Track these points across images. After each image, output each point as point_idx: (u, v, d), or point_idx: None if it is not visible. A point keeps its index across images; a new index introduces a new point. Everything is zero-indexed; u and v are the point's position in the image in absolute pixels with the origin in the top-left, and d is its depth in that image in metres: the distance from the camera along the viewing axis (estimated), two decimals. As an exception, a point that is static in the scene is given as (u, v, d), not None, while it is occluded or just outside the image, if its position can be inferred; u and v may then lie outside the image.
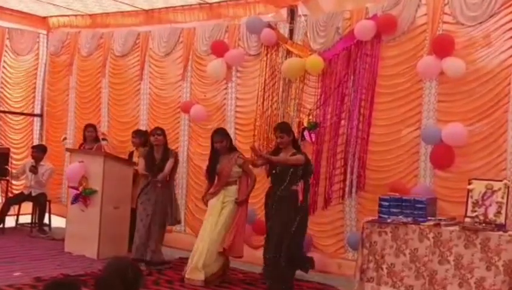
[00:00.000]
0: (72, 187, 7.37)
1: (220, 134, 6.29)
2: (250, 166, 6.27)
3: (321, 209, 6.60)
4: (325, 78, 6.65)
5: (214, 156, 6.31)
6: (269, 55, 7.14)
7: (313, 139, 6.60)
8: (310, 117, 6.63)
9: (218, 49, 7.41)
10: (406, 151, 6.11)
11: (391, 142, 6.24)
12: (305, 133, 6.63)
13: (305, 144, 6.65)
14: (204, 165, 7.19)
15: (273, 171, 5.77)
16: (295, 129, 6.74)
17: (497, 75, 5.54)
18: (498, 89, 5.53)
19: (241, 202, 6.18)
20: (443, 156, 5.72)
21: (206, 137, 7.61)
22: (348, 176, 6.40)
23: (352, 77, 6.42)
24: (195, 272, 6.07)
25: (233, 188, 6.23)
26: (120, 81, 8.85)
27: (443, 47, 5.72)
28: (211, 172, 6.33)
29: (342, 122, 6.49)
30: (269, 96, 7.11)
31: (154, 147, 6.84)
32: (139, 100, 8.58)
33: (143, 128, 8.30)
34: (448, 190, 5.77)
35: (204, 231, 6.22)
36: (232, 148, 6.35)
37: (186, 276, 6.10)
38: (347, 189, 6.42)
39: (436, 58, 5.73)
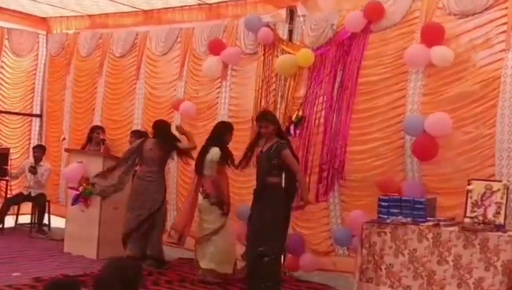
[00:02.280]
0: (72, 188, 7.37)
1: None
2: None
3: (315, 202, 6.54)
4: (314, 72, 6.66)
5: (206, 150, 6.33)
6: (266, 54, 7.14)
7: (297, 134, 6.59)
8: (300, 112, 6.62)
9: (215, 47, 7.42)
10: (388, 144, 6.09)
11: (374, 132, 6.21)
12: (291, 127, 6.63)
13: (292, 139, 6.64)
14: (192, 161, 7.17)
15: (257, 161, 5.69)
16: (285, 124, 6.75)
17: (487, 68, 5.51)
18: (488, 82, 5.51)
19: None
20: (425, 147, 5.67)
21: (196, 134, 7.61)
22: (331, 171, 6.38)
23: (341, 72, 6.43)
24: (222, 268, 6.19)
25: None
26: (116, 81, 8.86)
27: (433, 35, 5.69)
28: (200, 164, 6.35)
29: (329, 116, 6.47)
30: (266, 95, 7.10)
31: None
32: (134, 99, 8.58)
33: (136, 127, 8.33)
34: (437, 183, 5.76)
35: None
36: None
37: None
38: (330, 183, 6.40)
39: (425, 47, 5.71)
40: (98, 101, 9.04)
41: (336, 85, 6.45)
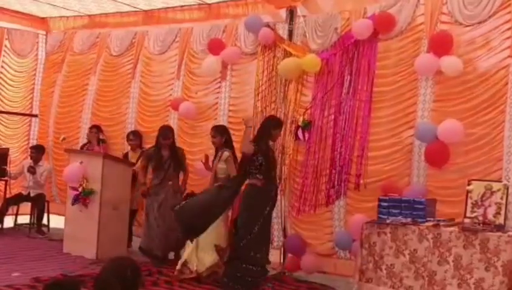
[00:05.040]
0: (72, 188, 7.36)
1: (215, 130, 6.61)
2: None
3: (321, 207, 6.55)
4: (321, 78, 6.64)
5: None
6: (266, 55, 7.13)
7: (306, 138, 6.59)
8: (306, 116, 6.62)
9: (215, 47, 7.41)
10: (399, 151, 6.09)
11: (382, 139, 6.23)
12: (299, 132, 6.63)
13: (299, 143, 6.65)
14: (192, 162, 7.35)
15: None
16: (289, 128, 6.76)
17: (495, 75, 5.54)
18: (496, 89, 5.53)
19: None
20: (438, 153, 5.67)
21: (194, 134, 7.60)
22: (344, 175, 6.39)
23: (349, 77, 6.42)
24: (190, 263, 6.25)
25: None
26: (111, 79, 8.87)
27: (441, 45, 5.70)
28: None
29: (338, 121, 6.46)
30: (265, 95, 7.09)
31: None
32: (128, 98, 8.59)
33: (130, 126, 8.34)
34: (442, 189, 5.76)
35: None
36: (226, 145, 6.53)
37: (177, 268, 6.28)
38: (342, 189, 6.40)
39: (434, 56, 5.72)
40: (89, 98, 9.05)
41: (345, 90, 6.44)
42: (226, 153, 6.43)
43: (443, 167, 5.74)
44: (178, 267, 6.28)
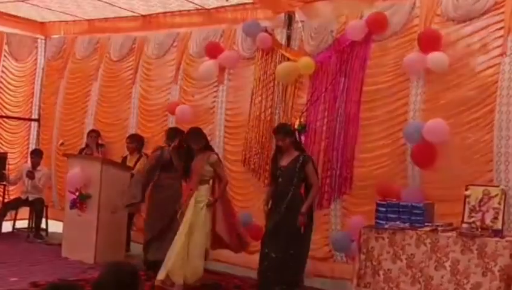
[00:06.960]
0: (71, 192, 7.36)
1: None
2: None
3: (317, 210, 6.54)
4: (316, 80, 6.67)
5: (189, 154, 6.29)
6: (263, 59, 7.15)
7: (303, 142, 6.61)
8: (302, 120, 6.64)
9: (212, 50, 7.43)
10: (393, 151, 6.10)
11: (376, 141, 6.24)
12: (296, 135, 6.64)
13: None
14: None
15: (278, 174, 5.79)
16: None
17: (485, 72, 5.55)
18: (486, 87, 5.54)
19: (211, 204, 6.13)
20: (424, 153, 5.68)
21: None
22: (337, 178, 6.40)
23: (343, 79, 6.44)
24: (173, 275, 5.96)
25: (204, 188, 6.20)
26: (112, 84, 8.89)
27: (429, 42, 5.72)
28: (186, 169, 6.29)
29: (331, 123, 6.48)
30: (262, 99, 7.11)
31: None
32: (130, 103, 8.61)
33: (132, 130, 8.34)
34: (438, 190, 5.76)
35: (181, 234, 6.06)
36: (207, 148, 6.34)
37: (158, 278, 5.95)
38: (335, 191, 6.42)
39: (421, 53, 5.74)
40: (92, 104, 9.06)
41: (339, 93, 6.45)
42: (214, 156, 6.30)
43: (435, 168, 5.73)
44: (161, 277, 5.93)
